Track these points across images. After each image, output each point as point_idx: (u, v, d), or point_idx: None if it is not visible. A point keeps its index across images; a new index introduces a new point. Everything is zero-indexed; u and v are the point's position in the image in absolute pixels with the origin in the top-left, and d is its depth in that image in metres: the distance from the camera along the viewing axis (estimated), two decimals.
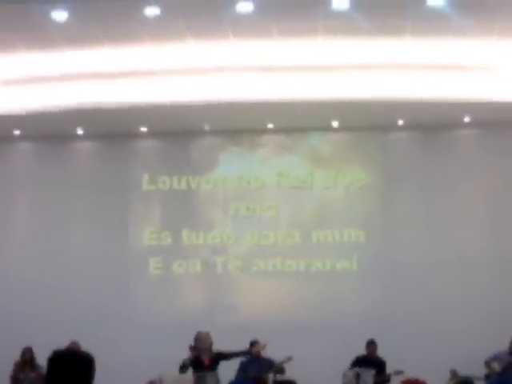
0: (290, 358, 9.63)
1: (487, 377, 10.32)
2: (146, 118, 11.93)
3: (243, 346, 9.65)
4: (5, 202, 12.83)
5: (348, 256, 12.05)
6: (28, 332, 11.34)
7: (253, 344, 9.80)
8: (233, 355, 9.34)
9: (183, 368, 8.92)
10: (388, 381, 10.16)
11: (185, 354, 9.02)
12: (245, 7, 8.59)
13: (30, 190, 12.90)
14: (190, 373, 9.00)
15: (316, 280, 12.03)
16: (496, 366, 10.30)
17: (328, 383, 10.07)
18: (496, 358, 10.41)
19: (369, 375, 9.69)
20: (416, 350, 11.17)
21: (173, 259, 12.34)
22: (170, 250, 12.38)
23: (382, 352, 10.36)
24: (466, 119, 12.00)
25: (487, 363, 10.44)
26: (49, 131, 12.40)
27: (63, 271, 12.35)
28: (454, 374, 10.47)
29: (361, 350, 10.39)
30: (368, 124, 12.04)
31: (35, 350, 10.00)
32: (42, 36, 9.47)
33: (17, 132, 12.66)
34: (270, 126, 12.36)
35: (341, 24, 9.07)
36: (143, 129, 12.54)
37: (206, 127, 12.46)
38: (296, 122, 11.96)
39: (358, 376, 9.62)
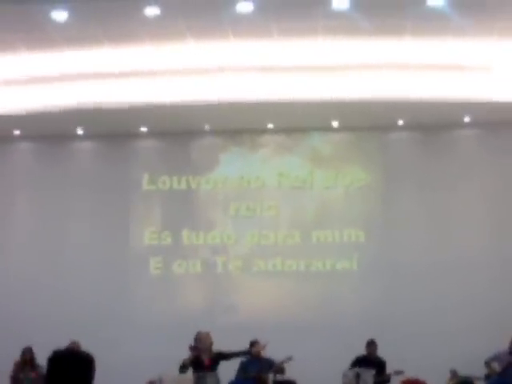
0: (290, 358, 9.63)
1: (487, 377, 10.31)
2: (146, 118, 11.93)
3: (243, 346, 9.64)
4: (5, 201, 12.83)
5: (348, 256, 12.05)
6: (28, 332, 11.35)
7: (253, 344, 9.80)
8: (233, 355, 9.34)
9: (183, 368, 8.92)
10: (388, 381, 10.16)
11: (185, 354, 9.02)
12: (245, 7, 8.58)
13: (30, 189, 12.90)
14: (190, 373, 9.00)
15: (316, 280, 12.03)
16: (496, 366, 10.29)
17: (328, 383, 10.06)
18: (496, 358, 10.41)
19: (369, 375, 9.69)
20: (416, 350, 11.17)
21: (173, 259, 12.34)
22: (170, 250, 12.38)
23: (382, 352, 10.36)
24: (466, 119, 11.99)
25: (487, 363, 10.44)
26: (49, 131, 12.40)
27: (63, 271, 12.36)
28: (454, 374, 10.47)
29: (361, 350, 10.39)
30: (368, 124, 12.04)
31: (35, 350, 9.99)
32: (42, 36, 9.47)
33: (17, 132, 12.66)
34: (270, 126, 12.36)
35: (341, 24, 9.07)
36: (143, 129, 12.55)
37: (206, 127, 12.46)
38: (296, 122, 11.96)
39: (357, 376, 9.62)
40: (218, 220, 12.56)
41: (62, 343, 7.29)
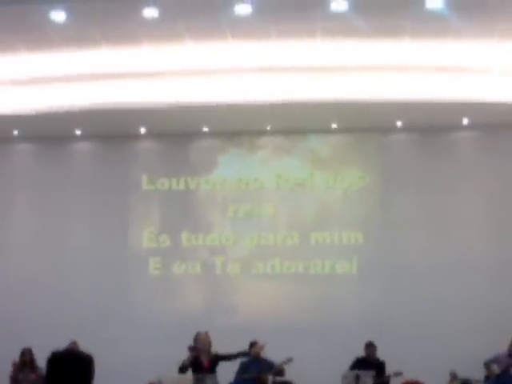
0: (289, 360, 9.60)
1: (486, 379, 10.32)
2: (145, 119, 11.94)
3: (242, 347, 9.64)
4: (4, 202, 12.84)
5: (347, 258, 12.04)
6: (27, 332, 11.36)
7: (252, 345, 9.79)
8: (232, 356, 9.34)
9: (183, 369, 8.93)
10: (387, 382, 10.14)
11: (184, 355, 9.02)
12: (243, 9, 8.58)
13: (29, 190, 12.90)
14: (189, 373, 9.00)
15: (315, 281, 12.02)
16: (495, 368, 10.28)
17: None
18: (495, 359, 10.41)
19: (368, 377, 9.69)
20: (415, 351, 11.16)
21: (172, 260, 12.34)
22: (169, 251, 12.38)
23: (381, 354, 10.35)
24: (465, 121, 12.00)
25: (486, 365, 10.44)
26: (48, 132, 12.41)
27: (63, 271, 12.36)
28: (453, 376, 10.48)
29: (360, 352, 10.38)
30: (367, 126, 12.04)
31: (34, 350, 9.97)
32: (41, 37, 9.47)
33: (16, 133, 12.66)
34: (269, 127, 12.36)
35: (339, 25, 9.06)
36: (142, 130, 12.55)
37: (205, 129, 12.46)
38: (295, 123, 11.97)
39: (357, 378, 9.61)
40: (216, 221, 12.57)
41: (62, 343, 7.31)
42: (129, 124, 12.16)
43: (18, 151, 13.12)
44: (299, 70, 10.32)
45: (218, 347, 9.20)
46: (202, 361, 9.01)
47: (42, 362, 9.10)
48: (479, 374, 10.35)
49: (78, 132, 12.62)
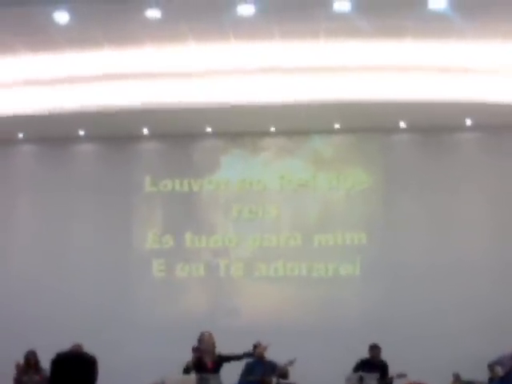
0: (293, 361, 9.57)
1: (490, 381, 10.30)
2: (148, 120, 11.94)
3: (245, 349, 9.59)
4: (8, 204, 12.85)
5: (350, 259, 12.03)
6: (31, 334, 11.37)
7: (256, 346, 9.77)
8: (236, 357, 9.31)
9: (187, 370, 8.91)
10: None
11: (187, 357, 9.00)
12: (246, 10, 8.58)
13: (32, 192, 12.91)
14: (193, 374, 8.98)
15: (318, 283, 12.01)
16: (499, 370, 10.26)
17: None
18: (499, 361, 10.39)
19: (372, 379, 9.68)
20: (418, 352, 11.15)
21: (176, 262, 12.34)
22: (172, 252, 12.38)
23: (384, 355, 10.33)
24: (468, 122, 11.98)
25: (490, 367, 10.42)
26: (51, 133, 12.42)
27: (66, 273, 12.36)
28: (456, 377, 10.45)
29: (363, 354, 10.36)
30: (370, 126, 12.03)
31: (38, 353, 9.96)
32: (44, 38, 9.48)
33: (20, 134, 12.68)
34: (272, 128, 12.37)
35: (342, 26, 9.07)
36: (145, 131, 12.55)
37: (208, 130, 12.47)
38: (298, 124, 11.96)
39: (361, 379, 9.61)
40: (219, 223, 12.57)
41: (65, 345, 7.26)
42: (132, 125, 12.17)
43: (22, 153, 13.13)
44: (302, 70, 10.32)
45: (222, 349, 9.18)
46: (205, 362, 8.98)
47: (45, 363, 9.11)
48: (483, 375, 10.33)
49: (81, 133, 12.63)
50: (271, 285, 12.17)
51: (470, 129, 12.22)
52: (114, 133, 12.42)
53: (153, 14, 8.65)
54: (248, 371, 9.70)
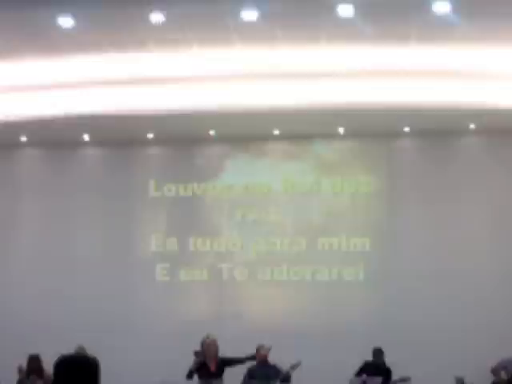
0: (297, 364, 9.52)
1: None
2: (153, 125, 11.96)
3: (248, 353, 9.61)
4: (12, 208, 12.88)
5: (354, 263, 12.02)
6: (34, 338, 11.37)
7: (258, 349, 9.77)
8: (238, 361, 9.32)
9: (190, 374, 8.92)
10: None
11: (191, 361, 9.00)
12: (250, 15, 8.60)
13: (36, 196, 12.93)
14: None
15: (322, 287, 12.00)
16: (503, 374, 10.25)
17: None
18: (502, 365, 10.37)
19: (375, 382, 9.68)
20: (422, 357, 11.13)
21: (179, 266, 12.34)
22: (176, 256, 12.38)
23: (387, 360, 10.34)
24: (472, 127, 11.97)
25: (494, 371, 10.41)
26: (55, 138, 12.45)
27: (70, 277, 12.38)
28: (460, 382, 10.42)
29: (367, 358, 10.37)
30: (374, 131, 12.03)
31: (41, 356, 9.98)
32: (49, 43, 9.50)
33: (24, 138, 12.71)
34: (276, 133, 12.37)
35: (346, 31, 9.06)
36: (150, 136, 12.57)
37: (212, 134, 12.48)
38: (302, 129, 11.96)
39: (364, 383, 9.61)
40: (223, 227, 12.58)
41: (68, 349, 7.29)
42: (136, 130, 12.19)
43: (26, 157, 13.17)
44: (306, 75, 10.31)
45: (225, 353, 9.19)
46: (208, 366, 9.00)
47: (48, 367, 9.13)
48: (486, 379, 10.31)
49: (85, 138, 12.66)
50: (275, 289, 12.16)
51: (475, 133, 12.21)
52: (119, 137, 12.44)
53: (157, 18, 8.67)
54: (250, 376, 9.68)
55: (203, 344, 9.07)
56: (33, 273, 12.51)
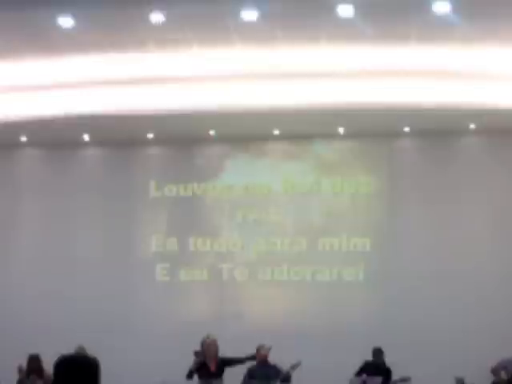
0: (298, 364, 9.52)
1: None
2: (153, 125, 11.96)
3: (249, 353, 9.61)
4: (12, 208, 12.88)
5: (354, 263, 12.02)
6: (34, 338, 11.38)
7: (259, 350, 9.76)
8: (238, 361, 9.32)
9: (190, 375, 8.92)
10: None
11: (191, 362, 9.00)
12: (250, 15, 8.60)
13: (37, 196, 12.93)
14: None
15: (322, 287, 12.00)
16: (503, 375, 10.25)
17: None
18: (502, 365, 10.37)
19: (375, 382, 9.67)
20: (422, 358, 11.13)
21: (179, 266, 12.35)
22: (176, 257, 12.38)
23: (387, 359, 10.34)
24: (473, 127, 11.96)
25: (494, 371, 10.41)
26: (55, 138, 12.45)
27: (70, 277, 12.38)
28: (460, 382, 10.42)
29: (367, 358, 10.37)
30: (374, 131, 12.03)
31: (41, 356, 9.98)
32: (49, 43, 9.51)
33: (24, 138, 12.71)
34: (276, 133, 12.37)
35: (346, 31, 9.07)
36: (150, 136, 12.57)
37: (212, 134, 12.48)
38: (302, 129, 11.96)
39: (364, 383, 9.61)
40: (224, 227, 12.58)
41: (68, 349, 7.28)
42: (137, 130, 12.19)
43: (26, 157, 13.17)
44: (306, 75, 10.31)
45: (226, 353, 9.19)
46: (208, 366, 9.00)
47: (48, 367, 9.13)
48: (486, 380, 10.31)
49: (85, 138, 12.66)
50: (275, 289, 12.17)
51: (475, 133, 12.21)
52: (119, 137, 12.44)
53: (157, 18, 8.68)
54: (250, 376, 9.67)
55: (203, 344, 9.07)
56: (33, 273, 12.51)
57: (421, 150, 12.52)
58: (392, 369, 10.23)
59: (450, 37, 9.24)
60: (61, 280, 12.34)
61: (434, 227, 12.09)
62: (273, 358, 9.74)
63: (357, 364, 10.23)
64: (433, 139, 12.24)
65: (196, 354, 9.00)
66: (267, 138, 12.49)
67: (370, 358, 10.38)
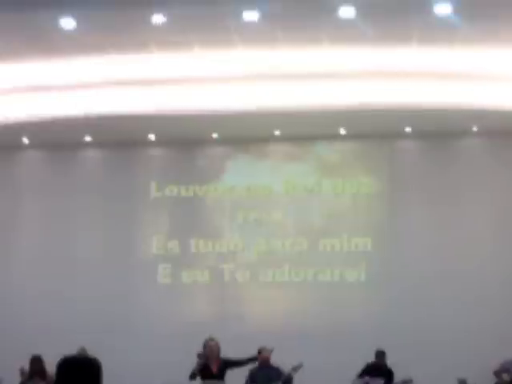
0: (300, 366, 9.50)
1: None
2: (154, 126, 11.97)
3: (251, 354, 9.59)
4: (13, 209, 12.89)
5: (355, 264, 12.02)
6: (35, 339, 11.37)
7: (260, 351, 9.75)
8: (241, 363, 9.31)
9: (193, 376, 8.92)
10: None
11: (193, 363, 9.00)
12: (251, 16, 8.61)
13: (38, 197, 12.94)
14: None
15: (323, 288, 12.00)
16: (506, 377, 10.24)
17: None
18: (504, 367, 10.36)
19: None
20: (424, 358, 11.13)
21: (181, 267, 12.35)
22: (178, 258, 12.39)
23: (389, 361, 10.32)
24: (475, 128, 11.97)
25: (497, 373, 10.39)
26: (57, 139, 12.46)
27: (71, 279, 12.38)
28: (463, 383, 10.41)
29: (369, 359, 10.33)
30: (375, 132, 12.03)
31: (43, 358, 9.97)
32: (50, 44, 9.52)
33: (25, 140, 12.72)
34: (278, 134, 12.38)
35: (347, 32, 9.07)
36: (151, 137, 12.58)
37: (214, 135, 12.48)
38: (303, 130, 11.97)
39: None
40: (225, 228, 12.58)
41: (70, 350, 7.29)
42: (138, 131, 12.20)
43: (28, 158, 13.18)
44: (308, 76, 10.32)
45: (227, 355, 9.18)
46: (210, 367, 8.99)
47: (50, 368, 9.13)
48: (488, 381, 10.30)
49: (87, 139, 12.67)
50: (277, 290, 12.17)
51: (477, 135, 12.21)
52: (120, 139, 12.45)
53: (158, 20, 8.69)
54: (251, 378, 9.65)
55: (205, 346, 9.06)
56: (34, 274, 12.50)
57: (422, 151, 12.52)
58: (394, 369, 10.21)
59: (452, 38, 9.25)
60: (61, 281, 12.34)
61: (436, 228, 12.09)
62: (274, 359, 9.72)
63: (359, 365, 10.21)
64: (434, 140, 12.24)
65: (199, 356, 8.99)
66: (268, 139, 12.50)
67: (372, 358, 10.36)
